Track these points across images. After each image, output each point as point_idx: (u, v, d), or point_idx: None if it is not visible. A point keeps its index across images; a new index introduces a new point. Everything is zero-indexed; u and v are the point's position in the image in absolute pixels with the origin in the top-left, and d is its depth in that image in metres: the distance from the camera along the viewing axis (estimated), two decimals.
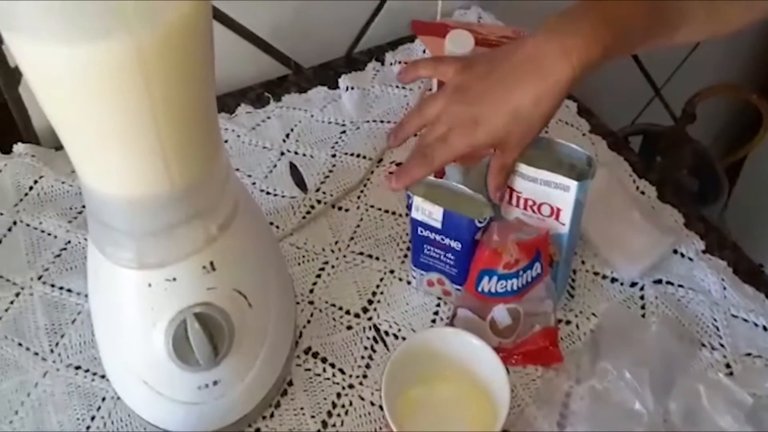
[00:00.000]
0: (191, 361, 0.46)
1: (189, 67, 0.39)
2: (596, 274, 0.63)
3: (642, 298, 0.61)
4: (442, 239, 0.55)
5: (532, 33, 0.51)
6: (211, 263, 0.46)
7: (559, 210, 0.54)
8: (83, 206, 0.68)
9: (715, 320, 0.59)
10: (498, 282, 0.53)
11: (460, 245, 0.55)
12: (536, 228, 0.54)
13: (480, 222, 0.53)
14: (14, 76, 0.71)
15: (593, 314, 0.59)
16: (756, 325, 0.58)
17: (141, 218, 0.43)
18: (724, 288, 0.61)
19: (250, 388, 0.50)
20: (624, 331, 0.56)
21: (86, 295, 0.60)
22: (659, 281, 0.62)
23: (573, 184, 0.52)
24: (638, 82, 1.20)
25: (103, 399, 0.54)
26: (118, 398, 0.52)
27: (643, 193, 0.70)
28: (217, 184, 0.46)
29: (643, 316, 0.59)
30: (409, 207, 0.56)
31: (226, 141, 0.75)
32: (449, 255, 0.56)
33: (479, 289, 0.54)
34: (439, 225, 0.55)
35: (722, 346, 0.57)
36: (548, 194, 0.53)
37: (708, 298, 0.60)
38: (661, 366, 0.53)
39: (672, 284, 0.61)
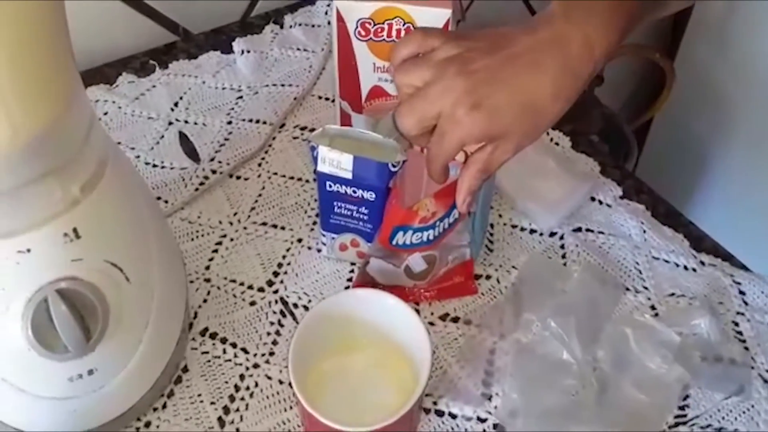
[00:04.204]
0: (58, 348, 0.39)
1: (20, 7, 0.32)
2: (514, 226, 0.60)
3: (562, 247, 0.58)
4: (354, 191, 0.50)
5: (539, 17, 0.41)
6: (75, 230, 0.39)
7: None
8: None
9: (637, 263, 0.57)
10: (413, 234, 0.49)
11: (373, 195, 0.50)
12: (451, 164, 0.50)
13: (394, 166, 0.49)
14: None
15: (513, 267, 0.56)
16: (677, 265, 0.56)
17: None
18: (644, 231, 0.59)
19: (134, 376, 0.43)
20: (546, 282, 0.53)
21: None
22: (579, 229, 0.59)
23: None
24: None
25: None
26: None
27: (557, 144, 0.67)
28: (77, 138, 0.39)
29: (565, 264, 0.57)
30: (315, 161, 0.51)
31: (105, 113, 0.68)
32: (362, 209, 0.51)
33: (393, 243, 0.49)
34: (349, 175, 0.50)
35: (646, 288, 0.55)
36: None
37: (629, 242, 0.58)
38: (587, 313, 0.51)
39: (592, 231, 0.59)
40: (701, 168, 1.07)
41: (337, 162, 0.50)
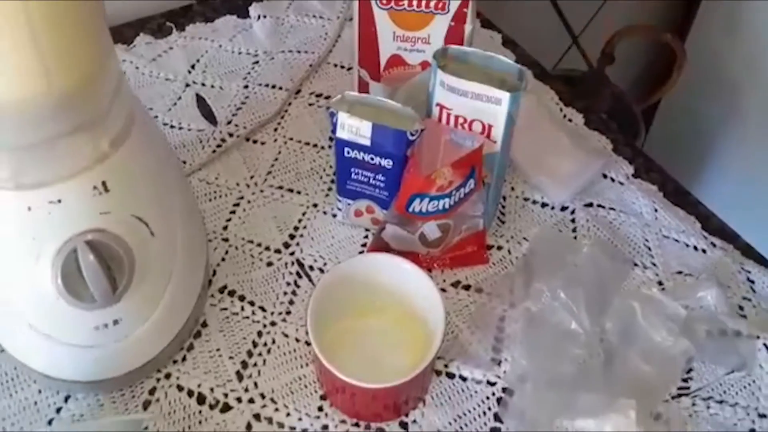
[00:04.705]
0: (85, 297, 0.40)
1: None
2: (526, 199, 0.60)
3: (573, 221, 0.59)
4: (372, 158, 0.51)
5: None
6: (104, 183, 0.40)
7: (490, 127, 0.51)
8: None
9: (647, 241, 0.58)
10: (430, 202, 0.50)
11: (391, 163, 0.51)
12: (468, 135, 0.50)
13: (412, 135, 0.49)
14: None
15: (524, 239, 0.57)
16: (687, 245, 0.57)
17: (16, 127, 0.37)
18: (656, 210, 0.60)
19: (156, 328, 0.44)
20: (556, 254, 0.54)
21: None
22: (590, 205, 0.60)
23: (505, 96, 0.49)
24: (556, 29, 1.19)
25: None
26: (2, 350, 0.46)
27: (570, 120, 0.68)
28: (107, 94, 0.40)
29: (575, 238, 0.58)
30: (333, 127, 0.51)
31: (123, 73, 0.68)
32: (379, 176, 0.52)
33: (410, 210, 0.50)
34: (367, 142, 0.50)
35: (654, 265, 0.56)
36: (480, 109, 0.50)
37: (639, 220, 0.59)
38: (595, 286, 0.52)
39: (603, 207, 0.60)
40: (708, 149, 1.08)
41: (356, 129, 0.51)
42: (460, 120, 0.51)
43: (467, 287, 0.54)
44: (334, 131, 0.52)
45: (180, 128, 0.64)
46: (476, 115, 0.51)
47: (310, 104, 0.68)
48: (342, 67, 0.72)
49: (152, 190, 0.43)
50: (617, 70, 1.12)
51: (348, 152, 0.52)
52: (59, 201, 0.39)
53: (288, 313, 0.51)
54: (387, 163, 0.52)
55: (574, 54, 1.26)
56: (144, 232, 0.42)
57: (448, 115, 0.52)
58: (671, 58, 1.10)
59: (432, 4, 0.55)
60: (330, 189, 0.60)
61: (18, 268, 0.40)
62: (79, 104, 0.38)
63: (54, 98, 0.36)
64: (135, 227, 0.42)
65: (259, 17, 0.74)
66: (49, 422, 0.44)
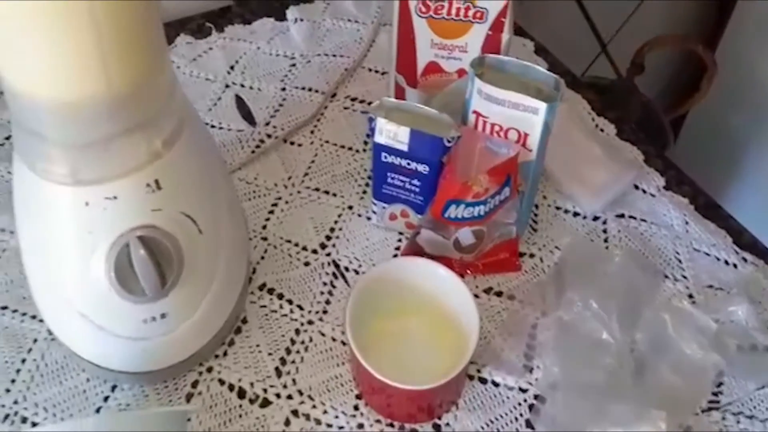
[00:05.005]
0: (136, 290, 0.41)
1: None
2: (558, 208, 0.61)
3: (605, 231, 0.60)
4: (408, 164, 0.52)
5: None
6: (156, 182, 0.41)
7: (526, 135, 0.52)
8: (6, 138, 0.61)
9: (678, 253, 0.58)
10: (465, 209, 0.51)
11: (427, 168, 0.52)
12: (504, 143, 0.51)
13: (449, 141, 0.50)
14: None
15: (556, 247, 0.58)
16: (718, 259, 0.58)
17: (76, 126, 0.38)
18: (687, 223, 0.60)
19: (201, 322, 0.46)
20: (588, 263, 0.55)
21: (11, 232, 0.54)
22: (621, 215, 0.61)
23: (542, 106, 0.50)
24: (585, 37, 1.20)
25: (35, 341, 0.49)
26: (53, 339, 0.47)
27: (602, 130, 0.69)
28: (161, 95, 0.41)
29: (606, 248, 0.58)
30: (371, 131, 0.52)
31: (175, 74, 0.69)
32: (415, 181, 0.53)
33: (445, 216, 0.51)
34: (405, 147, 0.51)
35: (685, 277, 0.57)
36: (516, 118, 0.51)
37: (670, 232, 0.60)
38: (627, 297, 0.52)
39: (634, 218, 0.61)
40: (738, 161, 1.07)
41: (393, 134, 0.52)
42: (496, 128, 0.52)
43: (499, 294, 0.55)
44: (372, 136, 0.53)
45: (220, 128, 0.65)
46: (512, 124, 0.52)
47: (345, 108, 0.69)
48: (376, 71, 0.73)
49: (201, 188, 0.45)
50: (644, 78, 1.13)
51: (385, 157, 0.53)
52: (115, 197, 0.40)
53: (324, 312, 0.52)
54: (423, 168, 0.53)
55: (602, 61, 1.26)
56: (192, 229, 0.44)
57: (485, 122, 0.53)
58: (700, 66, 1.10)
59: (471, 13, 0.56)
60: (365, 192, 0.61)
61: (73, 260, 0.42)
62: (137, 104, 0.39)
63: (113, 98, 0.38)
64: (184, 224, 0.43)
65: (296, 20, 0.76)
66: (97, 410, 0.45)
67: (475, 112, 0.52)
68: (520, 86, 0.51)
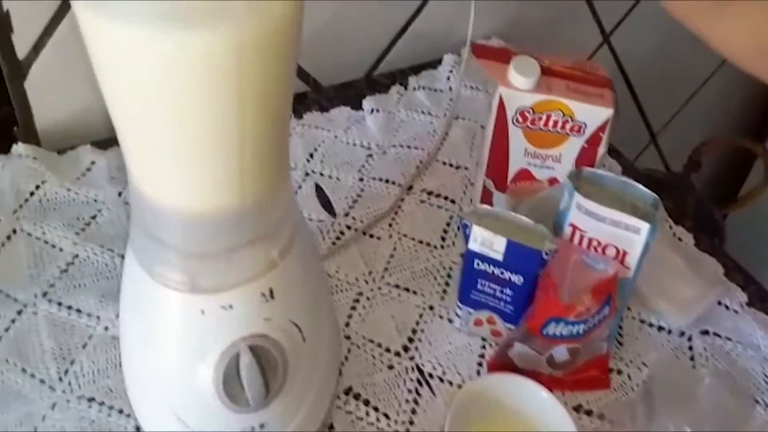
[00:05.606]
0: (240, 400, 0.41)
1: (282, 67, 0.35)
2: (642, 321, 0.60)
3: (690, 348, 0.58)
4: (502, 273, 0.52)
5: None
6: (270, 291, 0.41)
7: (625, 253, 0.51)
8: (92, 217, 0.62)
9: (766, 376, 0.57)
10: (565, 327, 0.50)
11: (522, 279, 0.51)
12: (602, 259, 0.51)
13: (546, 254, 0.50)
14: (21, 69, 0.65)
15: (643, 363, 0.57)
16: None
17: (201, 237, 0.38)
18: None
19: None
20: (677, 384, 0.54)
21: (98, 317, 0.54)
22: (706, 332, 0.60)
23: (644, 227, 0.50)
24: (636, 125, 1.21)
25: None
26: None
27: (680, 239, 0.68)
28: (283, 205, 0.42)
29: (693, 367, 0.57)
30: (466, 238, 0.52)
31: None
32: (507, 290, 0.53)
33: (544, 332, 0.50)
34: (500, 257, 0.51)
35: None
36: (616, 235, 0.51)
37: (757, 353, 0.58)
38: (720, 424, 0.51)
39: (719, 336, 0.59)
40: None
41: (489, 242, 0.52)
42: (594, 243, 0.52)
43: (588, 412, 0.53)
44: (466, 242, 0.53)
45: None
46: (612, 240, 0.51)
47: (422, 201, 0.69)
48: (450, 165, 0.74)
49: (307, 295, 0.45)
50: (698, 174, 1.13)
51: (478, 264, 0.53)
52: (231, 306, 0.40)
53: (411, 423, 0.51)
54: (517, 279, 0.52)
55: (651, 152, 1.27)
56: (297, 337, 0.43)
57: (582, 236, 0.52)
58: (747, 157, 1.10)
59: (568, 126, 0.56)
60: (445, 291, 0.61)
61: (179, 363, 0.41)
62: (262, 216, 0.40)
63: (243, 210, 0.38)
64: (290, 332, 0.43)
65: (372, 110, 0.77)
66: None
67: (572, 225, 0.52)
68: (616, 201, 0.51)
